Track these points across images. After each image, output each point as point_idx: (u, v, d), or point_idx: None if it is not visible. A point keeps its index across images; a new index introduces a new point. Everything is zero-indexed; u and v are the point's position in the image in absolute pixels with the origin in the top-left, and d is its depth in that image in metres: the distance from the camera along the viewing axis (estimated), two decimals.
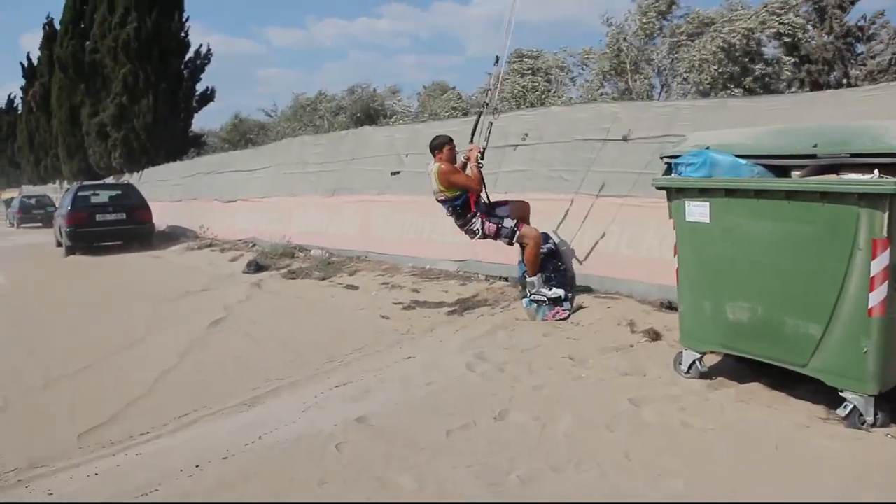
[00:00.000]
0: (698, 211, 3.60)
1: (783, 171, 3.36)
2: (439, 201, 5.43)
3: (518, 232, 5.31)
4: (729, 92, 9.22)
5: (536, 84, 12.29)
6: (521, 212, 5.57)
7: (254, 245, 10.97)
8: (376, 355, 4.68)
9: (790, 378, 3.44)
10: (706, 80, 9.38)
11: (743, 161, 3.42)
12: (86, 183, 15.95)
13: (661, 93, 9.93)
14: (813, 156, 3.19)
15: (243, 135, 21.08)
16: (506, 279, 6.41)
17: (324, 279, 7.74)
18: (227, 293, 7.27)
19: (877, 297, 2.95)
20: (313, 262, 8.74)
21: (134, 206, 13.25)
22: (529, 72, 13.61)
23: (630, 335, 4.69)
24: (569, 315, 5.23)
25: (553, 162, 6.82)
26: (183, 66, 22.01)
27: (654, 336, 4.59)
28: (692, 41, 9.69)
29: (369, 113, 15.42)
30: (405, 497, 2.58)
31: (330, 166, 10.56)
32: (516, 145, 7.45)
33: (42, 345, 5.62)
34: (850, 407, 3.11)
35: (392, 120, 15.37)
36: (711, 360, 3.94)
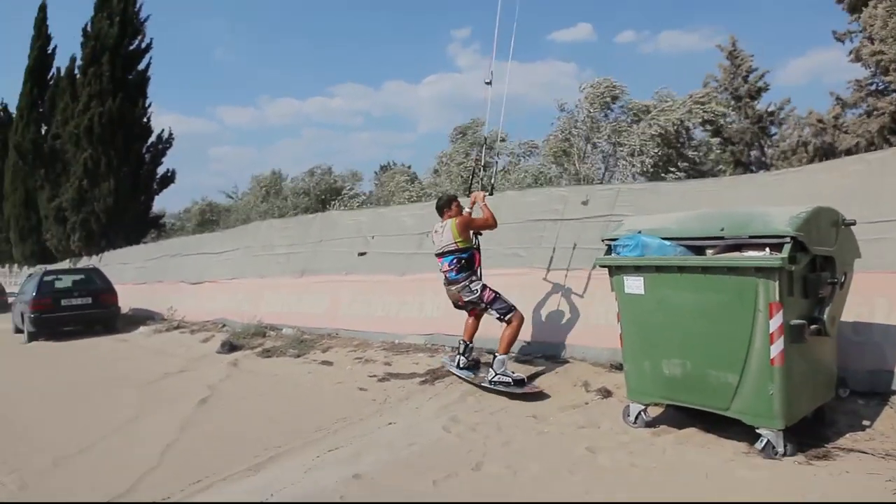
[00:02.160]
0: (635, 284, 4.31)
1: (700, 250, 4.11)
2: (445, 254, 5.74)
3: (513, 312, 5.61)
4: (668, 174, 10.35)
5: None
6: None
7: (223, 325, 11.29)
8: (360, 423, 5.15)
9: (721, 421, 4.08)
10: (648, 162, 10.49)
11: (668, 243, 4.16)
12: (50, 268, 15.99)
13: (604, 175, 10.95)
14: (721, 237, 3.97)
15: (207, 217, 21.55)
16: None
17: (298, 356, 8.16)
18: (206, 373, 7.61)
19: (776, 349, 3.66)
20: (286, 340, 9.14)
21: (100, 289, 13.42)
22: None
23: (585, 394, 5.30)
24: (541, 390, 5.44)
25: (507, 241, 7.55)
26: (145, 150, 22.55)
27: (606, 394, 5.22)
28: (631, 128, 10.84)
29: (330, 194, 16.16)
30: None
31: (298, 248, 11.12)
32: None
33: (31, 430, 5.79)
34: (764, 441, 3.77)
35: (351, 200, 16.05)
36: (655, 411, 4.58)
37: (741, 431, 3.96)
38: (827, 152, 9.65)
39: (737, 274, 3.77)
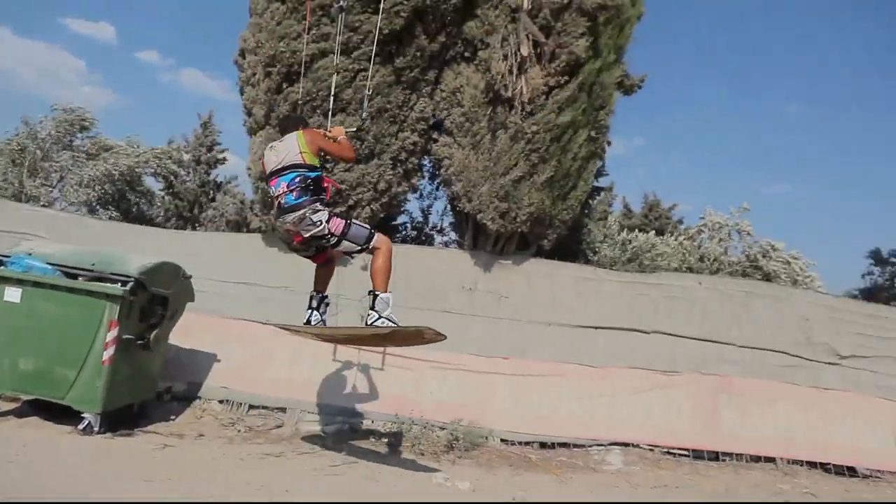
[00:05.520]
0: (14, 294, 5.28)
1: (76, 276, 5.39)
2: (285, 169, 4.40)
3: (375, 236, 4.47)
4: (108, 209, 11.34)
5: None
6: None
7: None
8: None
9: (62, 412, 5.26)
10: (93, 196, 11.28)
11: (49, 266, 5.33)
12: None
13: (51, 194, 11.12)
14: (91, 270, 5.36)
15: None
16: None
17: None
18: None
19: (107, 354, 5.16)
20: None
21: None
22: None
23: None
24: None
25: None
26: None
27: None
28: (89, 160, 11.47)
29: None
30: None
31: None
32: None
33: None
34: (86, 422, 5.17)
35: None
36: (11, 406, 5.50)
37: (76, 418, 5.24)
38: (239, 225, 12.21)
39: (93, 296, 5.19)
